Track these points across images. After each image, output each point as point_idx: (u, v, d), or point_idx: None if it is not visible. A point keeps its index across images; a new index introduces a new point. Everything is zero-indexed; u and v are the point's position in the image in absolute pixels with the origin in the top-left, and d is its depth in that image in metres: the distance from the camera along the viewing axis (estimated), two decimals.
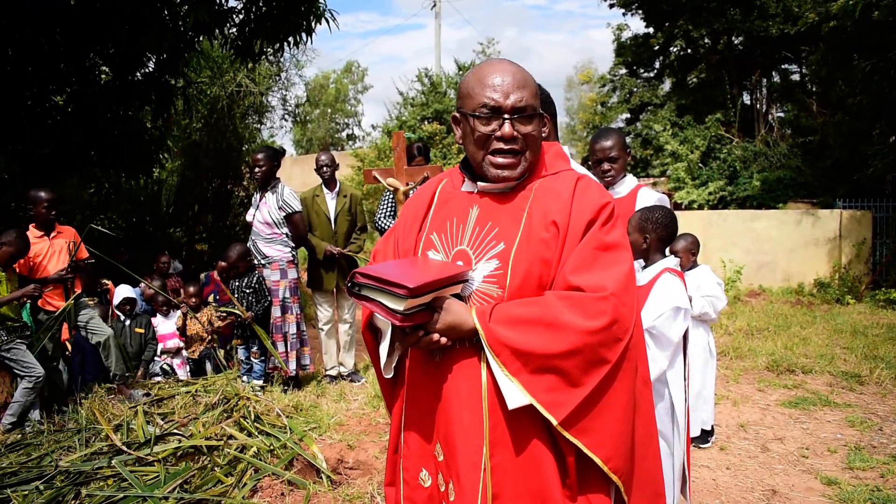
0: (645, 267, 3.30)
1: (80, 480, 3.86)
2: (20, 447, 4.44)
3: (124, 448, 4.21)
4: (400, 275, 1.73)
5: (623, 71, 20.47)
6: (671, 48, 19.02)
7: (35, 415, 5.07)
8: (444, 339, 1.78)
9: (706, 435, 4.92)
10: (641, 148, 18.25)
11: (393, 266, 1.85)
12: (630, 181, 3.83)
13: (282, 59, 14.13)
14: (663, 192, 12.97)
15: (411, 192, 6.13)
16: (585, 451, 1.70)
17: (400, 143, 6.37)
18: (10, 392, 5.02)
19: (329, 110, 41.16)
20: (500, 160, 1.85)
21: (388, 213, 6.76)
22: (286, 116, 16.85)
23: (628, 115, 20.30)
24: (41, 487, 3.79)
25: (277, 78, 15.16)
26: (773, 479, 4.36)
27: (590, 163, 3.99)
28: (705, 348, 4.89)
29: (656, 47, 19.08)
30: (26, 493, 3.75)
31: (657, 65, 20.10)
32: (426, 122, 19.10)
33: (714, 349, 5.01)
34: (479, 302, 1.83)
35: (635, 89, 19.71)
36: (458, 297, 1.84)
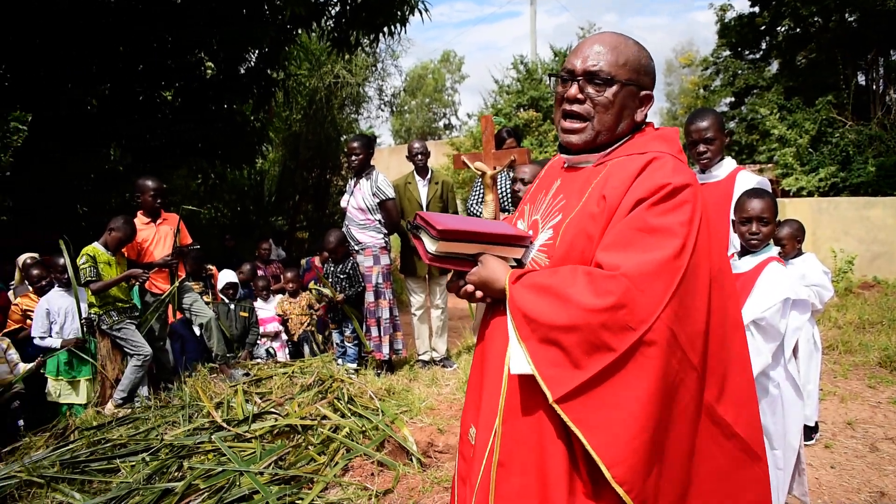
0: (743, 255, 3.18)
1: (183, 454, 4.06)
2: (129, 421, 4.71)
3: (224, 425, 4.39)
4: (443, 221, 1.80)
5: (727, 53, 19.65)
6: (778, 27, 18.13)
7: (143, 391, 5.36)
8: (479, 293, 1.82)
9: (810, 431, 4.69)
10: (746, 133, 17.48)
11: (452, 217, 1.92)
12: (728, 164, 3.68)
13: (377, 50, 14.39)
14: (768, 179, 12.42)
15: (499, 176, 6.09)
16: (585, 444, 1.58)
17: (488, 126, 6.34)
18: (121, 369, 5.32)
19: (427, 100, 41.49)
20: (566, 124, 1.83)
21: (479, 199, 6.76)
22: (382, 107, 17.12)
23: (732, 99, 19.49)
24: (147, 459, 4.01)
25: (374, 69, 15.42)
26: (883, 481, 4.10)
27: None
28: (809, 341, 4.64)
29: (762, 27, 18.25)
30: (133, 463, 3.98)
31: (763, 45, 19.18)
32: (522, 110, 18.96)
33: (819, 342, 4.75)
34: (531, 267, 1.83)
35: (740, 71, 18.86)
36: (519, 261, 1.87)
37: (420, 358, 6.83)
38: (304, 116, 13.72)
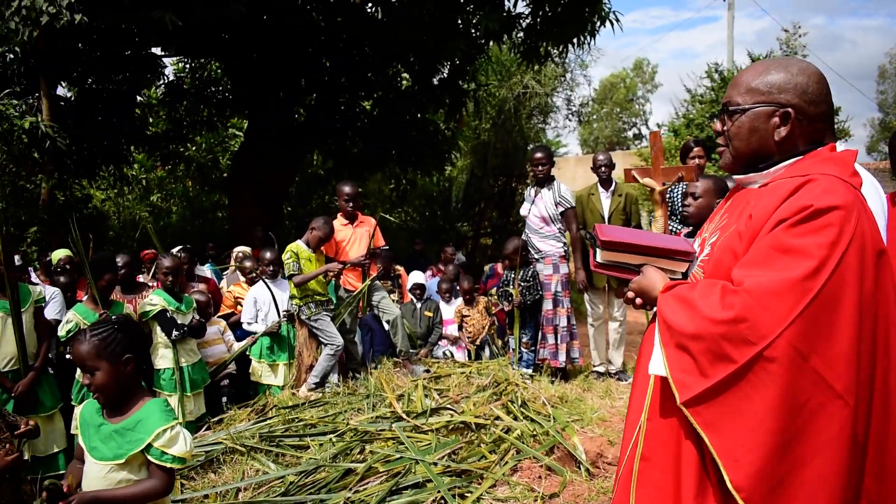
0: None
1: (366, 438, 4.37)
2: (320, 404, 5.12)
3: (404, 416, 4.66)
4: (608, 233, 2.04)
5: None
6: None
7: (334, 378, 5.77)
8: (639, 300, 1.95)
9: None
10: None
11: (620, 229, 2.19)
12: None
13: (566, 61, 14.43)
14: None
15: (667, 192, 5.96)
16: (709, 446, 1.66)
17: (657, 142, 6.23)
18: (316, 357, 5.77)
19: (616, 109, 40.80)
20: (719, 150, 1.99)
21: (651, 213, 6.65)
22: (570, 116, 17.10)
23: None
24: (334, 440, 4.37)
25: (562, 79, 15.47)
26: None
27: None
28: None
29: None
30: (322, 443, 4.35)
31: None
32: (715, 120, 18.19)
33: None
34: (690, 281, 1.94)
35: None
36: (684, 275, 1.99)
37: (595, 369, 6.82)
38: (492, 125, 14.04)
